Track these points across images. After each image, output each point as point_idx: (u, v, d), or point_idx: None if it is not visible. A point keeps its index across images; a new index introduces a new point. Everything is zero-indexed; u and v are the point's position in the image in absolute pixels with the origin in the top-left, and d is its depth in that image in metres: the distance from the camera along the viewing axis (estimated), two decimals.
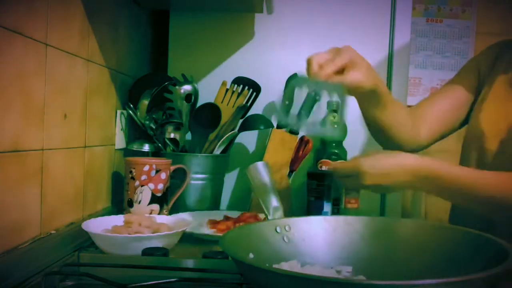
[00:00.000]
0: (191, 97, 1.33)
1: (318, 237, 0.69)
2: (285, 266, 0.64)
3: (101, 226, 0.95)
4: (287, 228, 0.69)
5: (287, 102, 1.37)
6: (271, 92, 1.45)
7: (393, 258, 0.66)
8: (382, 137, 1.08)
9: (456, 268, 0.58)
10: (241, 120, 1.36)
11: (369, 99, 0.95)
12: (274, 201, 0.74)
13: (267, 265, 0.62)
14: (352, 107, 1.45)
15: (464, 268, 0.57)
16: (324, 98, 1.41)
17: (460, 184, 0.84)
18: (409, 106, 1.47)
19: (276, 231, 0.68)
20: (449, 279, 0.46)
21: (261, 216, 1.18)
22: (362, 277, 0.63)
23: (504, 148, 0.96)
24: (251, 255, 0.63)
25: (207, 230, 1.12)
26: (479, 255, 0.59)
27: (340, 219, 0.72)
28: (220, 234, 1.05)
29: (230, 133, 1.33)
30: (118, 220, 0.99)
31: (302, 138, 1.36)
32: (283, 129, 1.37)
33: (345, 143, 1.39)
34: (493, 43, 1.12)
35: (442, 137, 1.11)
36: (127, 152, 1.32)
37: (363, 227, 0.70)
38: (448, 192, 0.87)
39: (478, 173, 0.87)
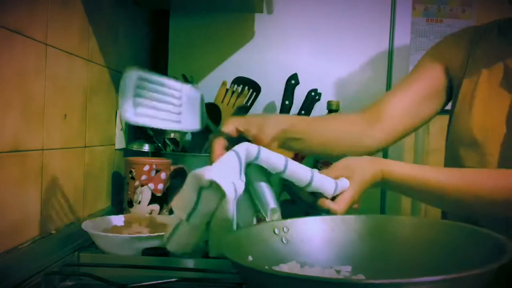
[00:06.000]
0: None
1: (316, 237, 0.69)
2: (284, 268, 0.64)
3: (101, 226, 0.95)
4: (285, 229, 0.69)
5: (287, 102, 1.37)
6: (271, 92, 1.45)
7: (392, 256, 0.66)
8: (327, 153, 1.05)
9: (454, 263, 0.58)
10: None
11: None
12: (272, 203, 0.73)
13: (266, 267, 0.62)
14: (351, 107, 1.46)
15: (463, 263, 0.57)
16: (324, 98, 1.41)
17: (416, 185, 0.82)
18: None
19: (274, 233, 0.68)
20: (447, 276, 0.46)
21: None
22: (362, 276, 0.63)
23: (508, 153, 0.90)
24: (250, 258, 0.63)
25: None
26: (477, 250, 0.59)
27: (337, 218, 0.72)
28: None
29: None
30: (118, 220, 0.99)
31: None
32: None
33: None
34: (453, 34, 1.05)
35: (402, 136, 1.04)
36: (127, 152, 1.32)
37: (360, 225, 0.70)
38: (407, 192, 0.87)
39: (430, 171, 0.85)
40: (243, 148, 0.73)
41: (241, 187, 0.72)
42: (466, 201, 0.82)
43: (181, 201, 0.73)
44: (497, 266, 0.48)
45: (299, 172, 0.74)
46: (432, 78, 1.02)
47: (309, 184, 0.74)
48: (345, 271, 0.66)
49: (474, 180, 0.82)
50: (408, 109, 1.02)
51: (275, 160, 0.74)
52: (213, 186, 0.69)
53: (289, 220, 0.70)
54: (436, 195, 0.83)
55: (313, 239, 0.69)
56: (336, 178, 0.78)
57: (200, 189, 0.71)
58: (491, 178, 0.83)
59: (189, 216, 0.72)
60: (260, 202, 0.73)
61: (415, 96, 1.02)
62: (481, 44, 0.99)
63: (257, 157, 0.73)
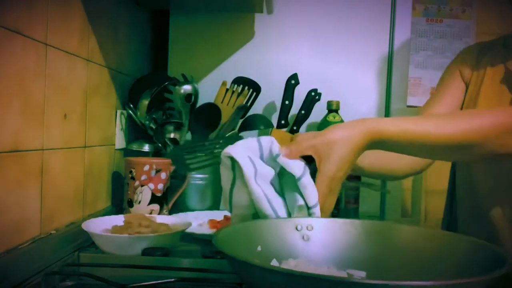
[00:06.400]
0: (191, 97, 1.33)
1: (340, 239, 0.68)
2: (292, 263, 0.64)
3: (101, 226, 0.95)
4: (309, 227, 0.68)
5: (287, 102, 1.37)
6: (271, 92, 1.45)
7: (412, 267, 0.64)
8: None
9: (457, 274, 0.58)
10: (241, 120, 1.36)
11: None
12: (300, 200, 0.71)
13: (274, 260, 0.62)
14: (351, 107, 1.46)
15: (465, 274, 0.56)
16: (324, 98, 1.41)
17: (413, 138, 0.75)
18: (408, 107, 1.48)
19: (296, 229, 0.68)
20: (442, 282, 0.45)
21: None
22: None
23: None
24: (258, 248, 0.63)
25: (207, 230, 1.12)
26: (478, 260, 0.58)
27: (368, 223, 0.70)
28: None
29: (230, 133, 1.33)
30: (118, 220, 0.99)
31: None
32: (283, 129, 1.37)
33: None
34: (466, 47, 1.14)
35: None
36: (127, 152, 1.32)
37: (392, 233, 0.68)
38: (401, 149, 0.79)
39: (422, 121, 0.78)
40: (268, 139, 0.75)
41: (264, 170, 0.72)
42: (474, 144, 0.75)
43: (223, 193, 0.77)
44: (494, 276, 0.48)
45: (310, 190, 0.70)
46: (456, 90, 1.08)
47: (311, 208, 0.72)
48: (357, 275, 0.65)
49: (477, 120, 0.76)
50: None
51: (294, 164, 0.71)
52: (237, 168, 0.72)
53: (316, 219, 0.69)
54: (440, 146, 0.75)
55: (336, 241, 0.68)
56: (314, 154, 0.72)
57: (233, 180, 0.73)
58: (493, 115, 0.77)
59: (230, 206, 0.75)
60: (289, 198, 0.72)
61: (447, 110, 1.07)
62: (488, 53, 1.07)
63: (278, 155, 0.72)
